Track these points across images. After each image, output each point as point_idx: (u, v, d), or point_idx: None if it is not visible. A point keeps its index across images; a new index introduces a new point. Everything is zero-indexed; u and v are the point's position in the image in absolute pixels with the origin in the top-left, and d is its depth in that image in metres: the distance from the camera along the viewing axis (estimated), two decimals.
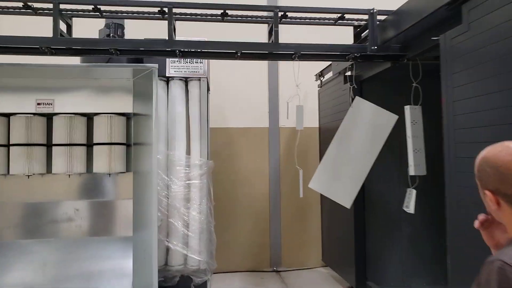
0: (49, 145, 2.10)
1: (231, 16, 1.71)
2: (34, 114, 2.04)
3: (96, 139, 2.07)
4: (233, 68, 2.82)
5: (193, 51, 1.57)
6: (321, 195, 2.78)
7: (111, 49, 1.47)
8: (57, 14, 1.45)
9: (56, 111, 2.05)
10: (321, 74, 2.74)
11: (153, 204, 1.81)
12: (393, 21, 1.61)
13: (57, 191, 2.20)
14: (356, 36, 1.80)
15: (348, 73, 2.30)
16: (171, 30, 1.53)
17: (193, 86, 2.08)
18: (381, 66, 1.87)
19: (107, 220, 2.18)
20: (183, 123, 2.07)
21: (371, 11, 1.63)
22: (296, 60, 1.60)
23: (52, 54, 1.46)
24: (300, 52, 1.55)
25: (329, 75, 2.72)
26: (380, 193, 2.11)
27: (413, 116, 1.58)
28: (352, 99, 1.70)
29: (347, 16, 1.78)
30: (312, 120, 3.01)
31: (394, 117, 1.64)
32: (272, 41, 1.58)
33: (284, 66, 3.03)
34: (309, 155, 2.92)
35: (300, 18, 1.76)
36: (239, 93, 2.98)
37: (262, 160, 2.96)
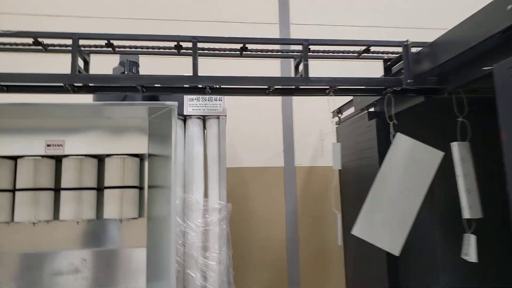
0: (57, 189, 1.97)
1: (250, 50, 1.63)
2: (42, 156, 1.92)
3: (107, 182, 1.93)
4: (244, 105, 2.75)
5: (221, 88, 1.47)
6: (344, 240, 2.61)
7: (137, 86, 1.37)
8: (76, 50, 1.36)
9: (66, 152, 1.93)
10: (339, 111, 2.65)
11: (171, 253, 1.64)
12: (429, 53, 1.52)
13: (64, 240, 2.03)
14: (387, 69, 1.71)
15: (372, 109, 2.21)
16: (196, 65, 1.43)
17: (212, 125, 1.97)
18: (412, 101, 1.77)
19: (118, 271, 1.99)
20: (201, 164, 1.95)
21: (405, 43, 1.54)
22: (331, 95, 1.50)
23: (74, 92, 1.36)
24: (336, 87, 1.45)
25: (347, 112, 2.63)
26: (413, 238, 1.94)
27: (462, 153, 1.45)
28: (393, 136, 1.58)
29: (372, 49, 1.70)
30: (328, 159, 2.90)
31: (440, 154, 1.51)
32: (302, 76, 1.48)
33: (298, 102, 2.95)
34: (328, 196, 2.78)
35: (323, 51, 1.68)
36: (252, 131, 2.88)
37: (278, 202, 2.81)
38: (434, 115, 1.92)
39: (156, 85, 1.45)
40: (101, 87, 1.40)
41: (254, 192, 2.80)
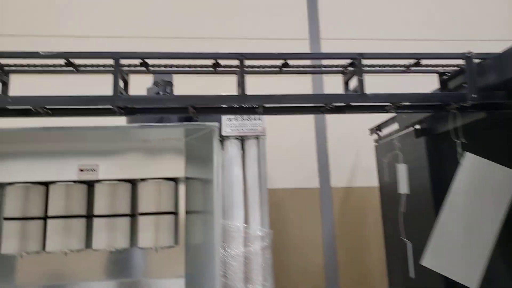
0: (88, 216, 1.87)
1: (292, 66, 1.52)
2: (75, 181, 1.83)
3: (142, 209, 1.83)
4: (274, 123, 2.64)
5: (273, 107, 1.36)
6: (388, 266, 2.44)
7: (188, 107, 1.27)
8: (118, 71, 1.27)
9: (100, 177, 1.84)
10: (378, 128, 2.51)
11: (216, 285, 1.51)
12: (495, 65, 1.40)
13: (95, 269, 1.93)
14: (443, 83, 1.59)
15: (418, 126, 2.08)
16: (243, 83, 1.33)
17: (251, 146, 1.86)
18: (470, 117, 1.63)
19: None
20: (241, 188, 1.83)
21: (467, 54, 1.42)
22: (392, 112, 1.38)
23: (121, 114, 1.27)
24: (399, 103, 1.33)
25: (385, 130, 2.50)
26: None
27: None
28: (461, 156, 1.45)
29: (423, 62, 1.58)
30: (365, 179, 2.76)
31: None
32: (356, 92, 1.37)
33: (331, 119, 2.84)
34: (368, 218, 2.63)
35: (371, 65, 1.56)
36: (284, 150, 2.76)
37: (314, 225, 2.66)
38: (490, 132, 1.78)
39: (200, 106, 1.34)
40: (147, 109, 1.31)
41: (288, 215, 2.66)
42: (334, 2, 3.09)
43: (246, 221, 1.80)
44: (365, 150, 2.74)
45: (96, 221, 1.82)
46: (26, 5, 2.86)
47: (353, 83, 1.51)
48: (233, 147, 1.85)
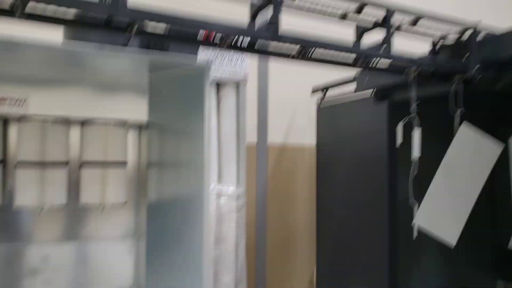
0: (3, 161, 1.39)
1: None
2: None
3: (85, 156, 1.43)
4: None
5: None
6: (318, 223, 2.51)
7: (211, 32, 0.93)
8: None
9: (30, 112, 1.36)
10: (324, 90, 2.49)
11: (204, 246, 1.26)
12: (493, 42, 1.47)
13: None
14: (432, 53, 1.60)
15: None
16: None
17: (228, 93, 1.60)
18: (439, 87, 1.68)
19: None
20: (216, 142, 1.58)
21: (475, 25, 1.45)
22: (410, 78, 1.33)
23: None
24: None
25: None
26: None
27: None
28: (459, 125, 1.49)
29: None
30: (298, 138, 2.77)
31: (500, 146, 1.50)
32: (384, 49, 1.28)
33: (273, 76, 2.70)
34: (299, 177, 2.66)
35: None
36: None
37: (250, 181, 2.54)
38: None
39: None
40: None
41: None
42: None
43: (220, 178, 1.58)
44: (301, 110, 2.74)
45: (20, 171, 1.37)
46: None
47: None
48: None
